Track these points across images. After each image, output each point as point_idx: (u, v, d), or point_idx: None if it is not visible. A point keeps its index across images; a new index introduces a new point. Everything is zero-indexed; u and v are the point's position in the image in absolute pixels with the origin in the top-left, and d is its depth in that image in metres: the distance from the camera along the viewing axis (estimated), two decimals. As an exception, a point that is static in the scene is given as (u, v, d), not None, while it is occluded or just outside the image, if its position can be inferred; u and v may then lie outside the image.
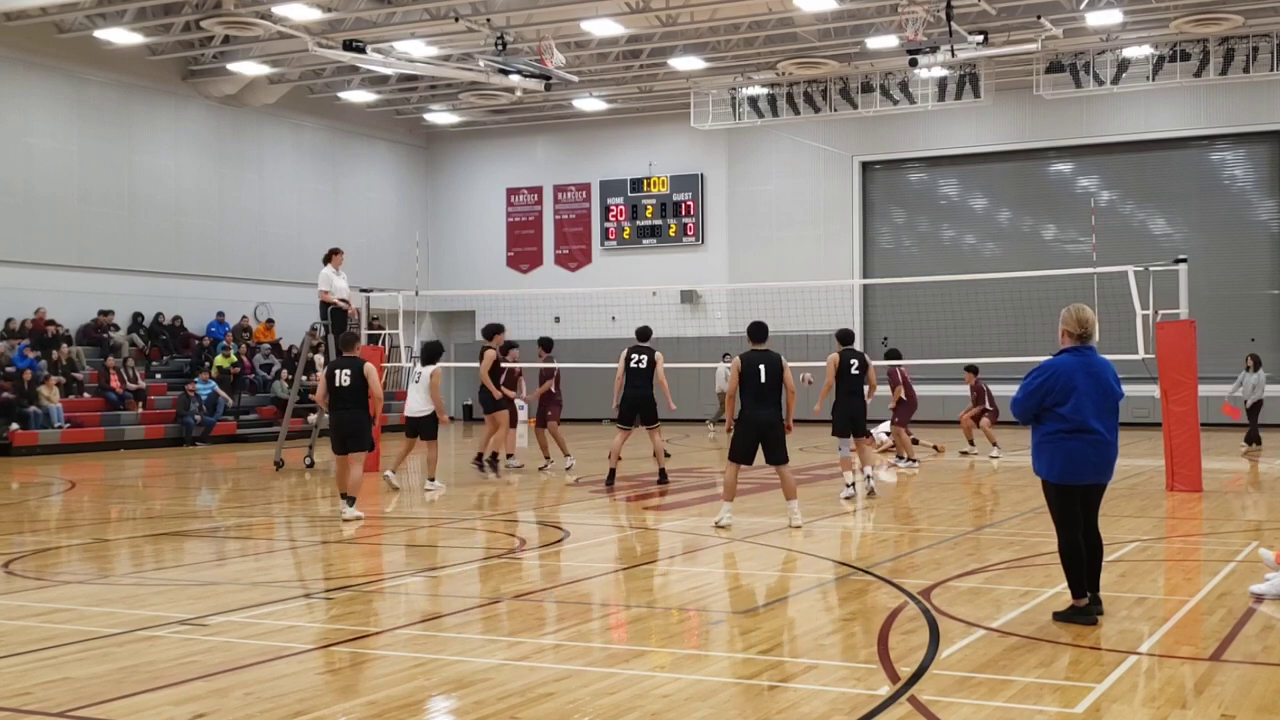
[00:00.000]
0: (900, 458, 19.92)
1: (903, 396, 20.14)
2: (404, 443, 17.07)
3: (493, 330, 18.61)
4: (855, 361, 15.29)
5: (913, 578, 9.41)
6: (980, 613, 8.06)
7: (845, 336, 15.83)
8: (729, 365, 14.80)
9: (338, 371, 13.48)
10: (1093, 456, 7.66)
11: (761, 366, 12.21)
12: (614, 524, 13.56)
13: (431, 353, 16.92)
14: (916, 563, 10.27)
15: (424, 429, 16.72)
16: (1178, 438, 15.39)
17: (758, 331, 12.52)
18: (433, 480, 16.60)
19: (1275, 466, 19.71)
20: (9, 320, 26.36)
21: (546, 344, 20.13)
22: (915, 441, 22.16)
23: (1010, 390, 14.88)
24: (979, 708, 5.87)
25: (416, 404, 16.74)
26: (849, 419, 15.27)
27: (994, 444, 21.73)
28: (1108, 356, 8.14)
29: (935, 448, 22.31)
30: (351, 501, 13.38)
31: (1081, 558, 7.77)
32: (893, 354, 20.39)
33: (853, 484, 15.09)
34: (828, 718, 5.76)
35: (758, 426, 12.28)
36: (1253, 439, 22.86)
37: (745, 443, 12.36)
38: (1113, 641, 7.24)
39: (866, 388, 15.73)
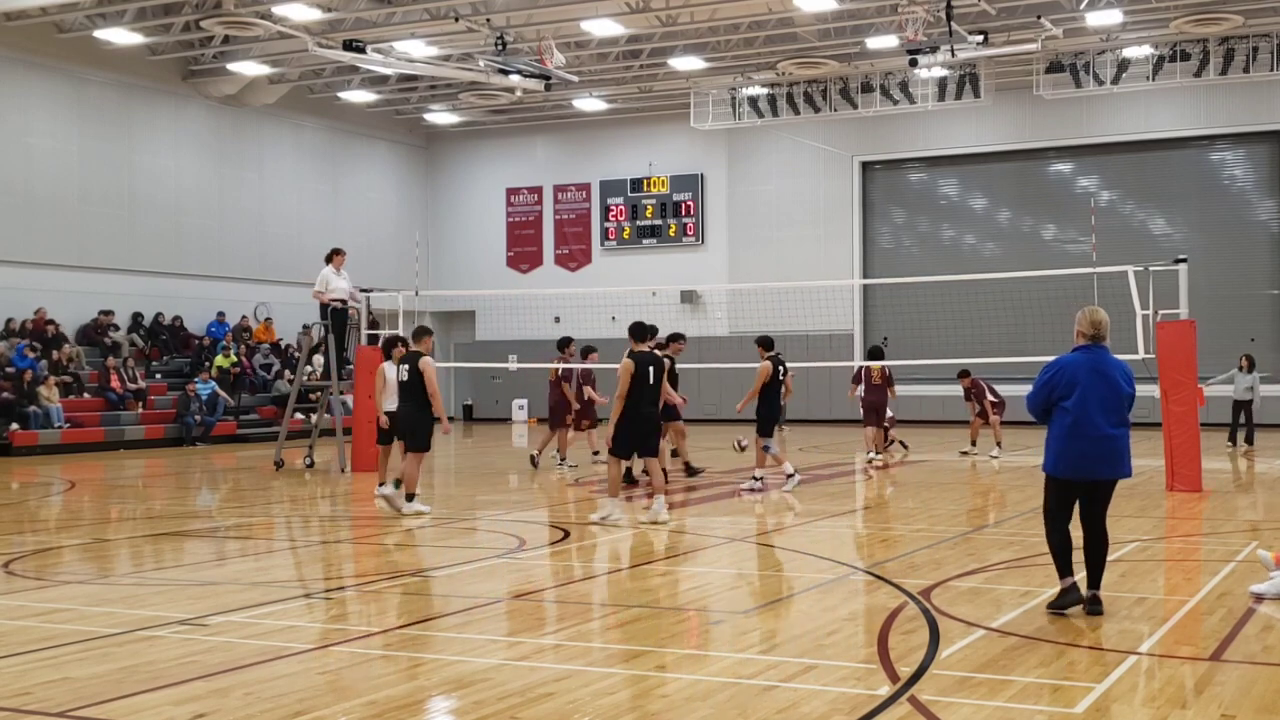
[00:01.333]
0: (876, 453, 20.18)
1: (859, 395, 20.31)
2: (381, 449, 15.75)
3: (677, 337, 17.84)
4: (781, 368, 16.32)
5: (913, 578, 9.41)
6: (980, 613, 8.06)
7: (769, 343, 16.46)
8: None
9: (400, 366, 13.58)
10: (1093, 451, 7.74)
11: (651, 368, 12.81)
12: (614, 524, 13.55)
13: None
14: (916, 563, 10.26)
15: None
16: (1177, 438, 15.38)
17: (644, 332, 13.01)
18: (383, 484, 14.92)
19: (1275, 466, 19.71)
20: (9, 320, 26.33)
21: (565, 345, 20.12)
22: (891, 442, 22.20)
23: (1011, 390, 15.04)
24: (979, 708, 5.87)
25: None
26: (775, 420, 16.36)
27: (998, 443, 21.69)
28: (1109, 356, 8.17)
29: (901, 444, 22.20)
30: (410, 498, 13.53)
31: (1068, 546, 7.91)
32: (874, 353, 20.37)
33: (793, 473, 16.08)
34: (828, 718, 5.76)
35: (645, 422, 12.87)
36: (1248, 439, 22.98)
37: (632, 439, 12.88)
38: (1113, 641, 7.24)
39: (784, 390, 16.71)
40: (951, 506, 14.60)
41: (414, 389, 13.36)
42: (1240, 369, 23.07)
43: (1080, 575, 7.98)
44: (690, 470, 18.04)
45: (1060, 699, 6.07)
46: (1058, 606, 7.88)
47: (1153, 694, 6.25)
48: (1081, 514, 7.96)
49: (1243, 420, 23.13)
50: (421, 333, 13.93)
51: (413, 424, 13.50)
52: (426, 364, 13.38)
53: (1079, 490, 7.88)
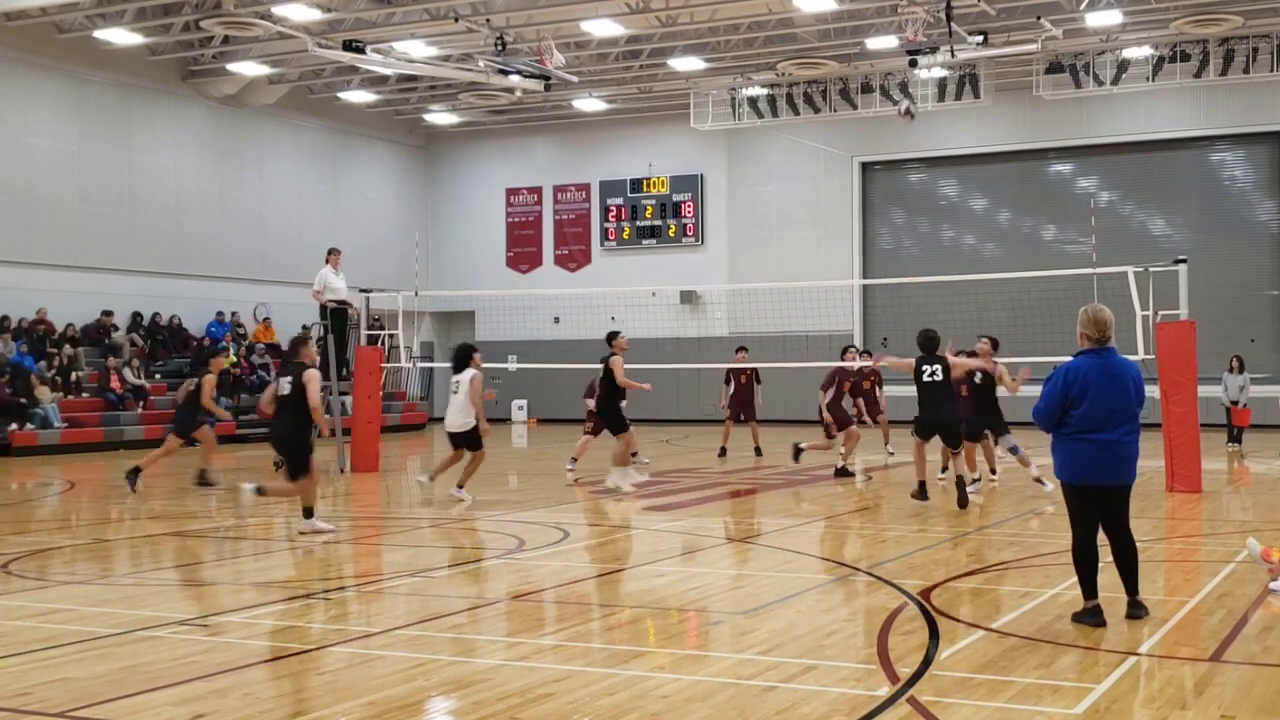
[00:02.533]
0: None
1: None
2: (451, 454, 15.57)
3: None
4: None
5: (913, 578, 9.41)
6: (980, 613, 8.06)
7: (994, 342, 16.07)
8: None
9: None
10: (1103, 457, 7.59)
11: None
12: (614, 524, 13.56)
13: (463, 357, 15.26)
14: (916, 563, 10.26)
15: (467, 442, 15.13)
16: (1177, 438, 15.38)
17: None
18: (460, 488, 15.16)
19: (1276, 467, 19.72)
20: (4, 318, 26.28)
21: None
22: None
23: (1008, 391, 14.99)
24: (979, 708, 5.87)
25: (456, 416, 15.08)
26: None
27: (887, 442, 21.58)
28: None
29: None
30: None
31: (1091, 560, 7.70)
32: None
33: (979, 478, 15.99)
34: (827, 718, 5.76)
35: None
36: (1237, 439, 23.05)
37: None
38: (1113, 642, 7.23)
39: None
40: (951, 507, 14.59)
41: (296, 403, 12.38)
42: (1231, 370, 23.11)
43: (1110, 579, 7.91)
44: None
45: (1060, 700, 6.07)
46: (1077, 619, 7.71)
47: (1152, 695, 6.25)
48: (1103, 523, 7.75)
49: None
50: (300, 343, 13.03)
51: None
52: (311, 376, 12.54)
53: (1094, 496, 7.68)
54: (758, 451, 22.06)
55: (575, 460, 18.46)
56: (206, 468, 17.07)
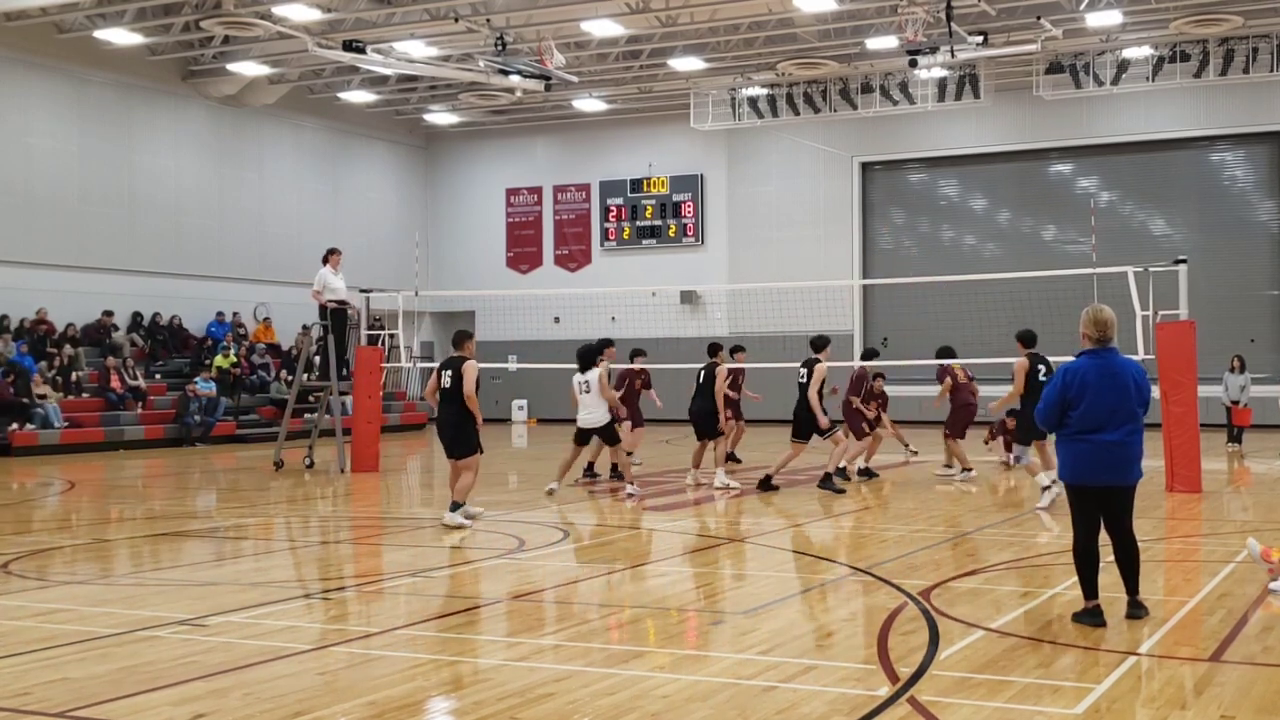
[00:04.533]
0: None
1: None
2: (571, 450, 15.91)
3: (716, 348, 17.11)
4: (1043, 366, 14.40)
5: (913, 578, 9.41)
6: (980, 613, 8.06)
7: (1030, 339, 14.73)
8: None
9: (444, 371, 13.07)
10: (1104, 458, 7.58)
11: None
12: (614, 524, 13.55)
13: (588, 356, 15.33)
14: (916, 563, 10.26)
15: (604, 436, 15.48)
16: (1177, 438, 15.38)
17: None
18: (631, 484, 15.49)
19: (1276, 467, 19.72)
20: (4, 318, 26.28)
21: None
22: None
23: (1007, 390, 14.96)
24: (979, 708, 5.87)
25: (589, 414, 15.25)
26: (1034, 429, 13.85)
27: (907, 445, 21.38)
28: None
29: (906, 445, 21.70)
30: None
31: (1091, 561, 7.71)
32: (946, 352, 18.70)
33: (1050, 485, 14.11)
34: (827, 718, 5.77)
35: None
36: (1237, 439, 23.05)
37: None
38: (1113, 642, 7.23)
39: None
40: (951, 507, 14.60)
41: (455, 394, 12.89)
42: (1232, 370, 23.11)
43: (1109, 579, 7.91)
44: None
45: (1060, 700, 6.07)
46: (1078, 620, 7.72)
47: (1152, 695, 6.25)
48: (1105, 523, 7.75)
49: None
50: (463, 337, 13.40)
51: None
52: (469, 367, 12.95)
53: (1093, 496, 7.68)
54: (731, 457, 20.29)
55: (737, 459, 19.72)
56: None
